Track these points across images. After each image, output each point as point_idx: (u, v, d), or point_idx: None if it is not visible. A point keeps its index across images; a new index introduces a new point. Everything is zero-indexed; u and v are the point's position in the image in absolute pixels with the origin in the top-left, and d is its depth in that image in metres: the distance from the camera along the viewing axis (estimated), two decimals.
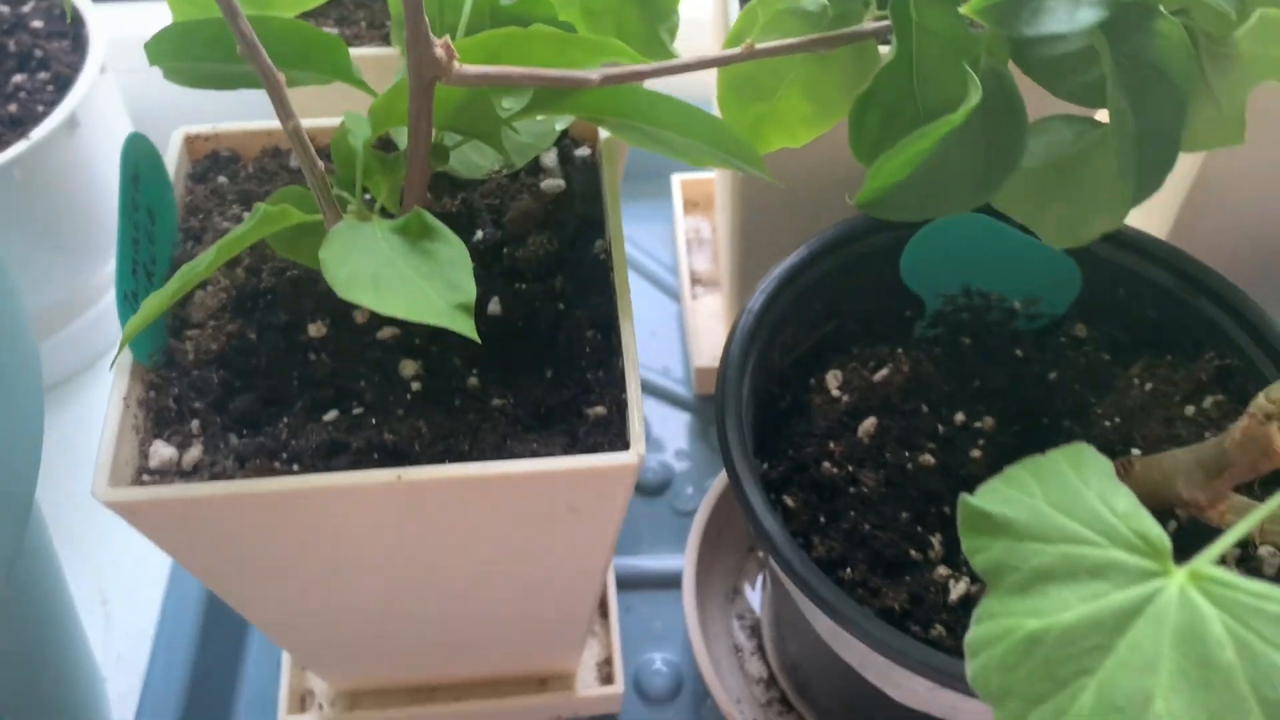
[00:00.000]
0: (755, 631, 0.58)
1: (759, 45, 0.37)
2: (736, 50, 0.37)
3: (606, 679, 0.55)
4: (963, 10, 0.26)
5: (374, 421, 0.39)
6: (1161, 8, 0.30)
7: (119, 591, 0.62)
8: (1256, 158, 0.52)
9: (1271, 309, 0.52)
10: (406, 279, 0.32)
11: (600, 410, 0.39)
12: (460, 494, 0.37)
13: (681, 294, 0.72)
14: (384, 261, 0.33)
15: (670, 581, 0.61)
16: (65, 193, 0.61)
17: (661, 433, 0.67)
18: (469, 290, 0.32)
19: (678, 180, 0.76)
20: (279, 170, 0.47)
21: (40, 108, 0.62)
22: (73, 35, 0.65)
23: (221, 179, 0.46)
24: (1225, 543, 0.28)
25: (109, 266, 0.68)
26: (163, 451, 0.38)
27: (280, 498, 0.36)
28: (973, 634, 0.29)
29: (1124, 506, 0.28)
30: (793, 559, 0.40)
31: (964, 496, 0.30)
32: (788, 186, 0.54)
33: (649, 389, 0.69)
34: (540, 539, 0.40)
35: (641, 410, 0.38)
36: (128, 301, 0.38)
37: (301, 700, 0.55)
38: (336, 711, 0.54)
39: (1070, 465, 0.29)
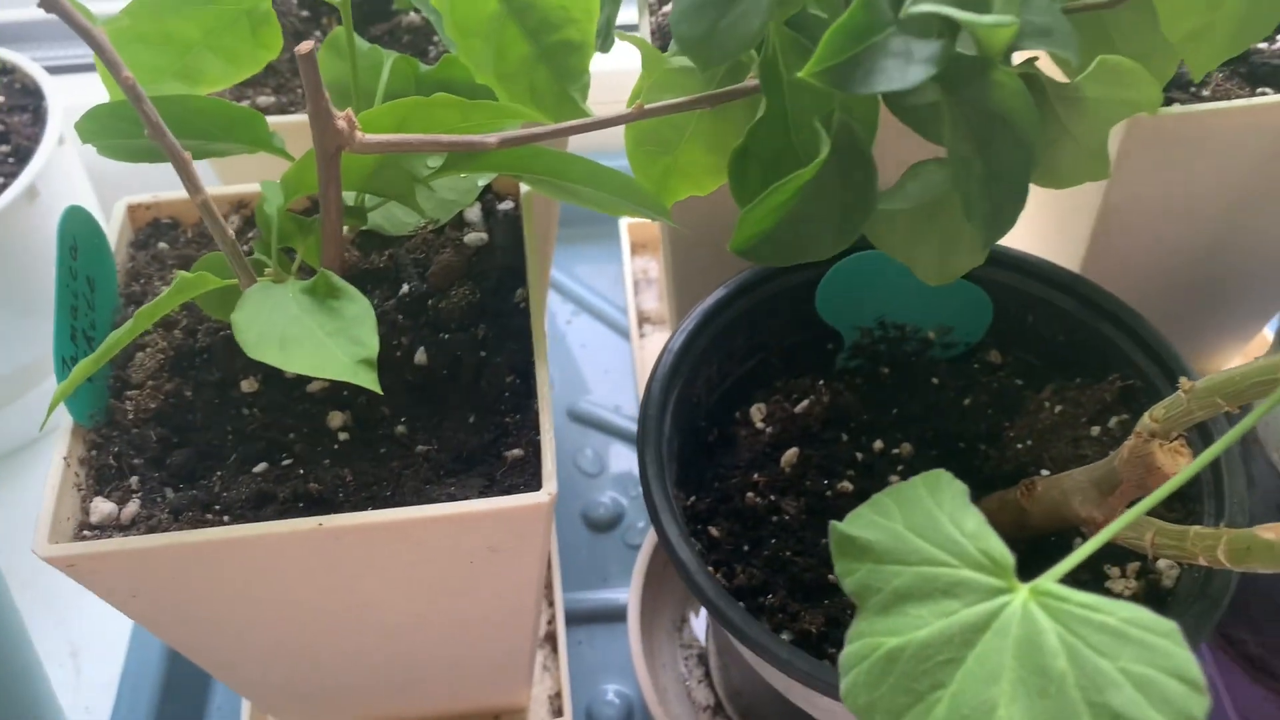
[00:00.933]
0: (702, 660, 0.60)
1: (648, 105, 0.39)
2: (628, 111, 0.39)
3: (557, 712, 0.57)
4: (799, 75, 0.29)
5: (301, 472, 0.41)
6: (1002, 59, 0.33)
7: (87, 645, 0.64)
8: (1153, 192, 0.54)
9: (1178, 331, 0.54)
10: (313, 337, 0.34)
11: (518, 452, 0.41)
12: (379, 538, 0.39)
13: (630, 332, 0.74)
14: (292, 321, 0.35)
15: (622, 614, 0.62)
16: (25, 261, 0.64)
17: (613, 468, 0.69)
18: (371, 345, 0.34)
19: (624, 224, 0.78)
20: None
21: (0, 179, 0.64)
22: (33, 108, 0.68)
23: (162, 245, 0.48)
24: (1070, 562, 0.30)
25: None
26: (103, 507, 0.40)
27: (210, 547, 0.38)
28: (844, 653, 0.31)
29: (972, 527, 0.30)
30: (706, 587, 0.41)
31: (833, 523, 0.32)
32: (712, 227, 0.57)
33: (601, 425, 0.72)
34: (465, 579, 0.42)
35: (554, 451, 0.40)
36: (65, 367, 0.40)
37: None
38: None
39: (928, 490, 0.31)
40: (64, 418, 0.41)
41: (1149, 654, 0.27)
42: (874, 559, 0.31)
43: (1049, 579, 0.29)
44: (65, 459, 0.40)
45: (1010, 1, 0.32)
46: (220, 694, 0.60)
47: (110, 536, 0.39)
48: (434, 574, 0.42)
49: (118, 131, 0.40)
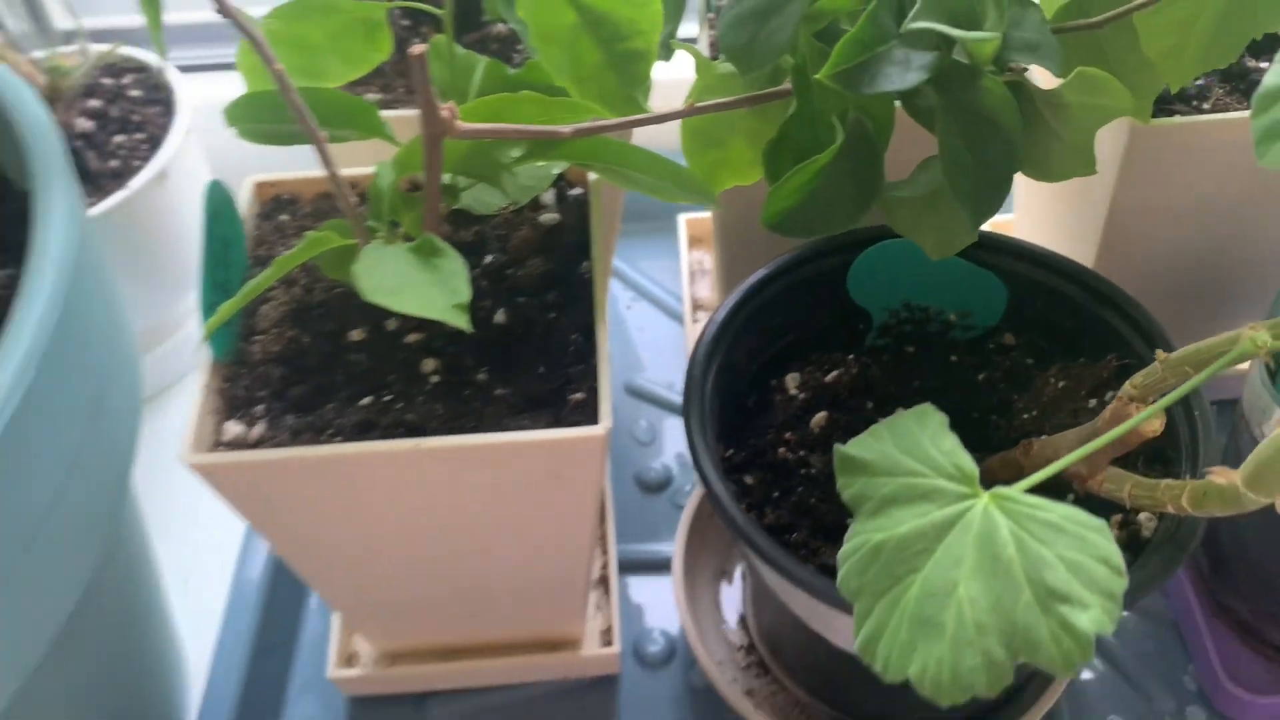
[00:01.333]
0: (738, 607, 0.67)
1: (699, 104, 0.46)
2: (682, 109, 0.46)
3: (608, 643, 0.64)
4: (816, 77, 0.35)
5: (399, 406, 0.49)
6: (990, 68, 0.39)
7: (198, 573, 0.72)
8: (1158, 197, 0.60)
9: (1186, 325, 0.60)
10: (418, 285, 0.42)
11: (579, 396, 0.48)
12: (465, 459, 0.46)
13: (684, 318, 0.81)
14: (401, 272, 0.42)
15: (668, 565, 0.69)
16: (156, 235, 0.73)
17: (665, 438, 0.76)
18: (465, 294, 0.42)
19: (683, 219, 0.86)
20: (330, 210, 0.57)
21: (136, 163, 0.73)
22: (164, 102, 0.77)
23: (284, 217, 0.57)
24: (1032, 480, 0.37)
25: (191, 297, 0.80)
26: (234, 429, 0.48)
27: (323, 462, 0.45)
28: (841, 551, 0.38)
29: (948, 447, 0.36)
30: (736, 516, 0.48)
31: (837, 445, 0.39)
32: (758, 220, 0.64)
33: (654, 400, 0.79)
34: (532, 503, 0.50)
35: (610, 394, 0.47)
36: (210, 311, 0.48)
37: (349, 659, 0.64)
38: (377, 668, 0.63)
39: (915, 420, 0.38)
40: (202, 358, 0.50)
41: (1081, 543, 0.33)
42: (868, 473, 0.38)
43: (1017, 490, 0.35)
44: (205, 388, 0.48)
45: (999, 19, 0.39)
46: (312, 618, 0.68)
47: (240, 451, 0.47)
48: (506, 496, 0.49)
49: (258, 118, 0.48)
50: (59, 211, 0.44)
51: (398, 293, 0.42)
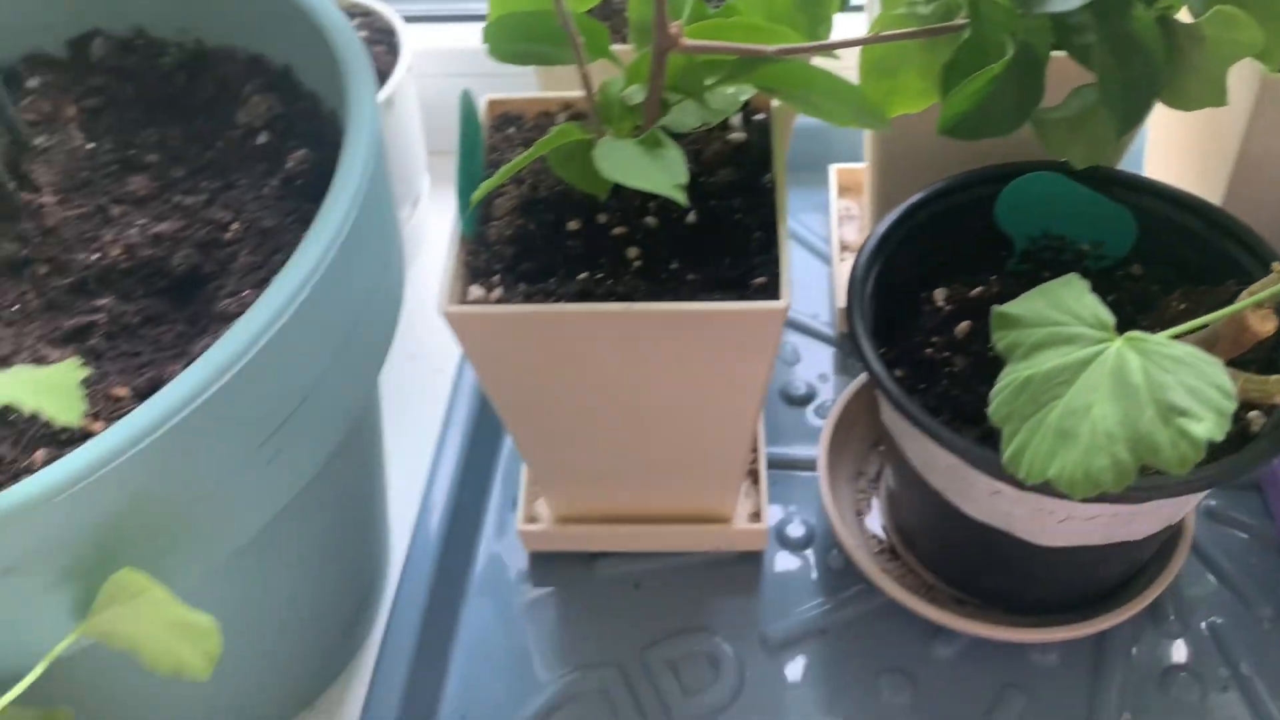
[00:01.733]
0: (874, 504, 0.75)
1: (879, 34, 0.55)
2: (869, 36, 0.55)
3: (755, 521, 0.73)
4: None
5: (610, 281, 0.58)
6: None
7: (405, 444, 0.83)
8: None
9: None
10: (645, 168, 0.51)
11: (762, 280, 0.57)
12: (664, 324, 0.55)
13: (831, 257, 0.89)
14: (632, 159, 0.52)
15: (809, 465, 0.78)
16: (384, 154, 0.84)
17: (809, 360, 0.85)
18: (683, 175, 0.51)
19: (834, 169, 0.94)
20: (547, 125, 0.67)
21: None
22: (388, 43, 0.89)
23: (511, 130, 0.67)
24: (1166, 333, 0.44)
25: (405, 211, 0.91)
26: (476, 291, 0.58)
27: (550, 317, 0.55)
28: (994, 389, 0.46)
29: (1089, 302, 0.44)
30: (889, 386, 0.57)
31: (994, 306, 0.47)
32: (912, 158, 0.72)
33: (802, 329, 0.87)
34: (714, 369, 0.58)
35: (789, 277, 0.56)
36: (465, 194, 0.59)
37: (532, 519, 0.74)
38: (555, 526, 0.73)
39: (1061, 285, 0.46)
40: (454, 236, 0.60)
41: (1198, 373, 0.41)
42: (1020, 326, 0.46)
43: (1154, 336, 0.43)
44: (454, 258, 0.59)
45: None
46: (498, 489, 0.78)
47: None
48: (694, 362, 0.58)
49: (511, 38, 0.58)
50: (367, 98, 0.54)
51: (631, 172, 0.51)
